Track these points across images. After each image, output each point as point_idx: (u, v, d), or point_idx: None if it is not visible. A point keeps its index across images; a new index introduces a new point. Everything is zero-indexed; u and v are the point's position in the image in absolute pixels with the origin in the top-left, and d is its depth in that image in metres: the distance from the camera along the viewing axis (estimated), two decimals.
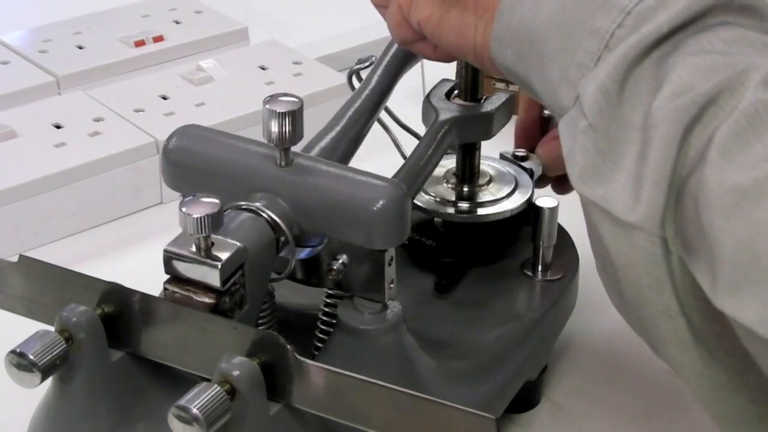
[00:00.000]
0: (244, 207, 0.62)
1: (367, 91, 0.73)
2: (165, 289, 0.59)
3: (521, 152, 0.78)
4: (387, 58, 0.74)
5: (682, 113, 0.52)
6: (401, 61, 0.74)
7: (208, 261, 0.57)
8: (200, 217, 0.57)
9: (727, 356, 0.54)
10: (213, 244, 0.58)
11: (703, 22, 0.55)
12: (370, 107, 0.72)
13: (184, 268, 0.58)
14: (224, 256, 0.58)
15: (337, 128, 0.70)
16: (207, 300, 0.58)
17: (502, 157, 0.79)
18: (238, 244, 0.59)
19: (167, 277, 0.59)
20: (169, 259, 0.58)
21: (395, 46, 0.75)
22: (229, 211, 0.61)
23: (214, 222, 0.57)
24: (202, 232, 0.57)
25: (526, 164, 0.78)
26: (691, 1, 0.55)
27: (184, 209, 0.57)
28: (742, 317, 0.49)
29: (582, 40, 0.56)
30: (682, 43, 0.55)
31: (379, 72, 0.74)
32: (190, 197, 0.58)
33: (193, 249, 0.58)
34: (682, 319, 0.54)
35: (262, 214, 0.61)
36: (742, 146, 0.50)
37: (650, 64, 0.54)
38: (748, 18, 0.56)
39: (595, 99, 0.55)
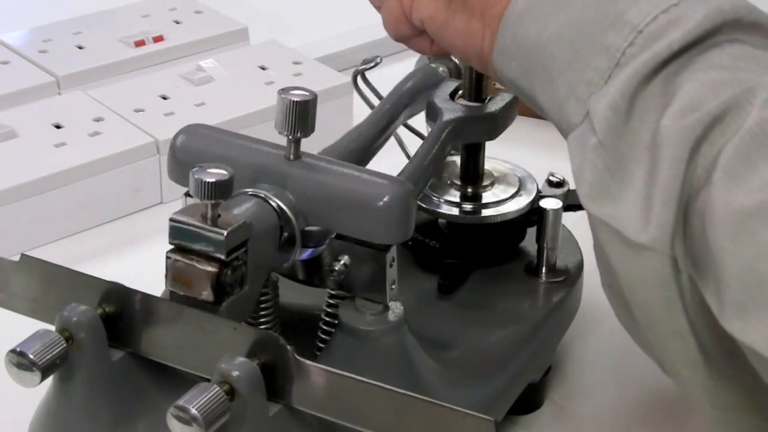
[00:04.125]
0: (250, 193, 0.62)
1: (383, 110, 0.74)
2: (167, 258, 0.59)
3: (556, 178, 0.78)
4: (413, 80, 0.76)
5: (689, 132, 0.52)
6: (412, 96, 0.75)
7: (215, 229, 0.57)
8: (211, 183, 0.57)
9: (738, 375, 0.54)
10: (219, 216, 0.58)
11: (713, 40, 0.55)
12: (381, 128, 0.73)
13: (189, 237, 0.58)
14: (230, 226, 0.58)
15: (348, 142, 0.71)
16: (210, 269, 0.58)
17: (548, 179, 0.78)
18: (245, 219, 0.59)
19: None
20: (174, 227, 0.58)
21: (410, 82, 0.75)
22: (236, 196, 0.61)
23: (224, 190, 0.57)
24: (211, 198, 0.57)
25: (558, 191, 0.77)
26: (702, 19, 0.54)
27: (195, 175, 0.57)
28: (748, 340, 0.49)
29: (592, 58, 0.56)
30: (691, 60, 0.54)
31: (400, 93, 0.75)
32: (201, 166, 0.58)
33: (200, 218, 0.58)
34: (693, 338, 0.54)
35: (268, 201, 0.62)
36: (748, 167, 0.50)
37: (660, 82, 0.54)
38: (758, 35, 0.56)
39: (605, 116, 0.54)
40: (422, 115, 0.75)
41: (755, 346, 0.49)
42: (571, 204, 0.75)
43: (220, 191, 0.57)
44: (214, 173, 0.57)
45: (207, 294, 0.58)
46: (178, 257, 0.58)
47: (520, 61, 0.59)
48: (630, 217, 0.53)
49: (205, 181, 0.57)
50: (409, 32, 0.67)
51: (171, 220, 0.58)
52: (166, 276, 0.59)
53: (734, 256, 0.50)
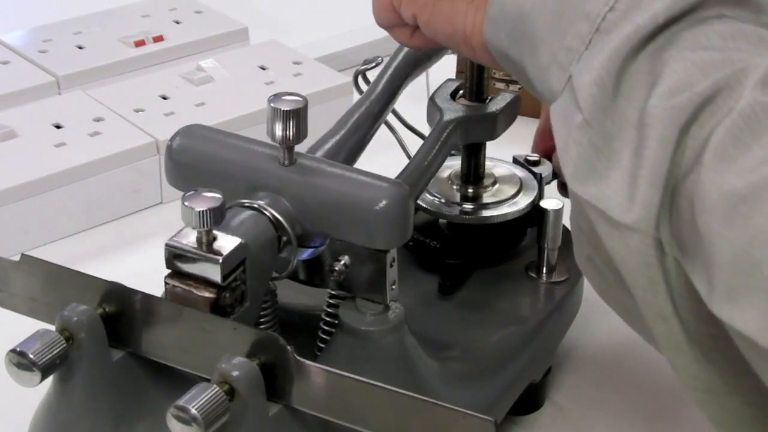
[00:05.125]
0: (246, 205, 0.62)
1: (373, 96, 0.73)
2: (166, 283, 0.59)
3: (534, 157, 0.78)
4: (395, 63, 0.75)
5: (678, 112, 0.52)
6: (409, 67, 0.75)
7: (210, 255, 0.57)
8: (202, 211, 0.57)
9: (722, 358, 0.53)
10: (215, 239, 0.58)
11: (699, 14, 0.54)
12: (375, 112, 0.73)
13: (185, 263, 0.58)
14: (225, 251, 0.58)
15: (342, 132, 0.71)
16: (207, 295, 0.58)
17: (515, 160, 0.78)
18: (240, 240, 0.58)
19: (168, 272, 0.59)
20: (170, 253, 0.58)
21: (404, 51, 0.74)
22: (231, 208, 0.61)
23: (216, 216, 0.57)
24: (204, 226, 0.57)
25: (537, 169, 0.77)
26: None
27: (186, 203, 0.57)
28: (740, 325, 0.49)
29: (573, 23, 0.55)
30: (677, 36, 0.54)
31: (386, 77, 0.74)
32: (193, 191, 0.58)
33: (195, 243, 0.58)
34: (676, 321, 0.53)
35: (264, 212, 0.61)
36: (740, 149, 0.50)
37: (645, 58, 0.54)
38: (744, 10, 0.55)
39: (590, 93, 0.54)
40: (423, 115, 0.75)
41: (745, 331, 0.49)
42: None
43: (212, 218, 0.57)
44: (205, 199, 0.57)
45: None
46: (176, 283, 0.59)
47: (509, 31, 0.59)
48: (615, 197, 0.53)
49: (196, 210, 0.57)
50: (393, 21, 0.67)
51: (167, 245, 0.58)
52: None
53: (726, 240, 0.49)
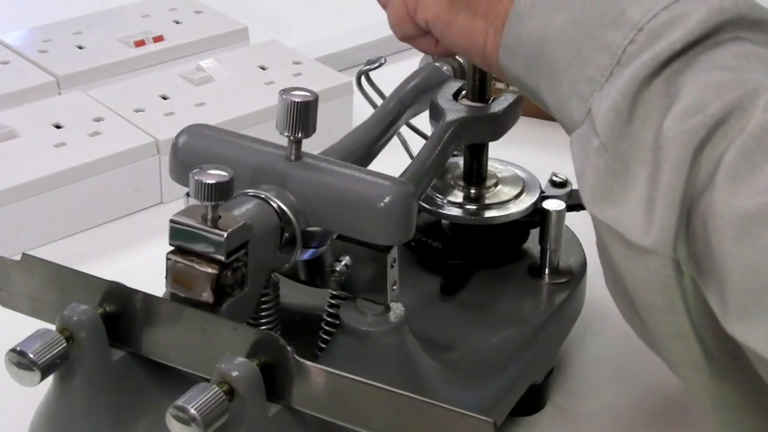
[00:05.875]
0: (251, 194, 0.62)
1: (386, 109, 0.74)
2: (168, 259, 0.59)
3: (559, 178, 0.77)
4: (417, 79, 0.75)
5: (692, 135, 0.52)
6: (415, 97, 0.75)
7: (214, 230, 0.57)
8: (211, 184, 0.57)
9: (740, 376, 0.54)
10: (220, 217, 0.58)
11: (716, 38, 0.55)
12: (384, 127, 0.73)
13: (189, 238, 0.58)
14: (230, 228, 0.58)
15: (348, 143, 0.71)
16: (210, 270, 0.58)
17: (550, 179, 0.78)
18: (245, 220, 0.58)
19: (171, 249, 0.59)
20: (174, 228, 0.58)
21: (424, 72, 0.75)
22: (236, 197, 0.61)
23: (224, 191, 0.57)
24: (211, 200, 0.57)
25: (561, 191, 0.77)
26: (704, 17, 0.54)
27: (195, 176, 0.57)
28: (751, 342, 0.49)
29: (593, 55, 0.56)
30: (694, 59, 0.54)
31: (392, 103, 0.74)
32: (201, 167, 0.58)
33: (200, 219, 0.58)
34: (695, 340, 0.54)
35: (270, 202, 0.61)
36: (751, 169, 0.50)
37: (662, 82, 0.54)
38: (761, 33, 0.55)
39: (606, 117, 0.54)
40: (425, 115, 0.75)
41: (758, 349, 0.49)
42: (575, 204, 0.75)
43: (221, 193, 0.57)
44: (214, 174, 0.57)
45: (207, 295, 0.58)
46: (179, 259, 0.58)
47: (525, 58, 0.59)
48: (632, 219, 0.53)
49: (205, 183, 0.57)
50: (413, 32, 0.67)
51: (171, 221, 0.58)
52: (166, 277, 0.59)
53: (737, 259, 0.49)
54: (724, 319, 0.51)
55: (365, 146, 0.71)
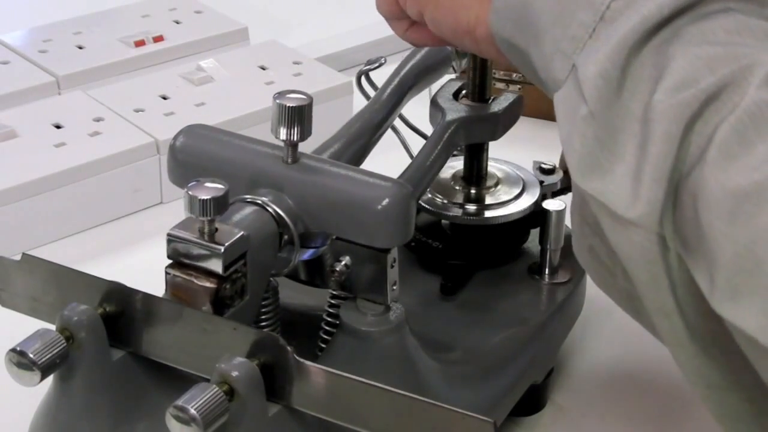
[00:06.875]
0: (249, 200, 0.62)
1: (377, 104, 0.73)
2: (167, 273, 0.59)
3: (548, 165, 0.77)
4: (404, 71, 0.75)
5: (683, 109, 0.51)
6: (415, 77, 0.75)
7: (212, 245, 0.57)
8: (206, 200, 0.57)
9: (723, 355, 0.53)
10: (217, 230, 0.58)
11: (704, 8, 0.54)
12: (378, 120, 0.73)
13: (187, 252, 0.58)
14: (227, 241, 0.58)
15: (344, 139, 0.71)
16: (208, 284, 0.58)
17: (536, 165, 0.78)
18: (242, 232, 0.58)
19: (169, 262, 0.59)
20: (172, 242, 0.58)
21: (411, 62, 0.75)
22: (234, 204, 0.61)
23: (219, 205, 0.57)
24: (207, 215, 0.57)
25: (549, 178, 0.77)
26: None
27: (190, 192, 0.57)
28: (741, 324, 0.49)
29: (577, 12, 0.55)
30: (682, 30, 0.53)
31: (392, 85, 0.74)
32: (196, 181, 0.58)
33: (197, 233, 0.58)
34: (679, 317, 0.53)
35: (267, 208, 0.61)
36: (744, 146, 0.49)
37: (650, 51, 0.53)
38: (749, 3, 0.54)
39: (595, 84, 0.54)
40: (426, 115, 0.75)
41: (747, 329, 0.48)
42: (566, 188, 0.76)
43: (216, 207, 0.57)
44: (209, 189, 0.57)
45: (207, 309, 0.58)
46: (177, 273, 0.59)
47: (515, 20, 0.59)
48: (618, 192, 0.53)
49: (200, 199, 0.57)
50: (394, 14, 0.67)
51: (168, 235, 0.58)
52: (165, 291, 0.59)
53: (729, 238, 0.49)
54: (712, 298, 0.50)
55: (368, 130, 0.71)
